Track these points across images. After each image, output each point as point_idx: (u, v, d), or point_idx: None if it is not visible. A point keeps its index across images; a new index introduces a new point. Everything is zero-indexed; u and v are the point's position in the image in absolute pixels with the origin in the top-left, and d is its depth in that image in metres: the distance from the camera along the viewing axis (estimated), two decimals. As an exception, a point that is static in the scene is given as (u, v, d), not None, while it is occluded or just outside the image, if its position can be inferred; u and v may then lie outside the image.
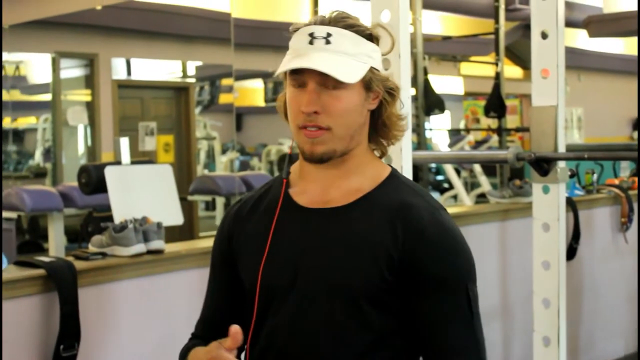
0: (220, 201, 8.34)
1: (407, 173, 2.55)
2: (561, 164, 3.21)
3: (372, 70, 1.70)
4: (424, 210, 1.70)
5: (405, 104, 1.94)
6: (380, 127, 1.78)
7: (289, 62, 1.67)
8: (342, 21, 1.70)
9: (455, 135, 10.99)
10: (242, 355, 1.85)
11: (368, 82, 1.70)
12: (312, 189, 1.76)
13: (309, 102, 1.66)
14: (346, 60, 1.66)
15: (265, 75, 10.29)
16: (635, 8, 9.42)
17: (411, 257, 1.67)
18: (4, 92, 9.81)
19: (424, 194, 1.76)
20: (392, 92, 1.75)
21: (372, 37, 1.73)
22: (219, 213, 8.92)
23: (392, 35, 1.78)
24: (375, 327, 1.69)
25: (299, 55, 1.67)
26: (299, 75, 1.68)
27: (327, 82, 1.66)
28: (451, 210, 2.99)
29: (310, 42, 1.67)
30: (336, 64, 1.65)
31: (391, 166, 1.83)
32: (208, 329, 1.87)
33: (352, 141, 1.73)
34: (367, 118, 1.75)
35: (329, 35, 1.67)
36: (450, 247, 1.70)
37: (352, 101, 1.69)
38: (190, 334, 1.93)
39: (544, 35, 3.15)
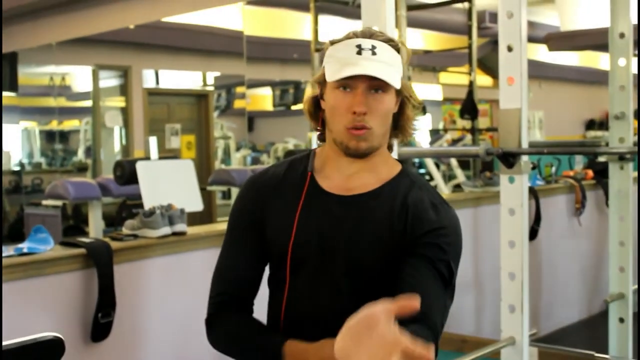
0: (235, 191, 8.32)
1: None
2: (524, 158, 3.20)
3: (401, 79, 1.71)
4: (427, 203, 1.71)
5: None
6: (399, 127, 1.78)
7: (344, 69, 1.64)
8: (380, 36, 1.70)
9: (435, 134, 10.94)
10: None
11: (400, 89, 1.71)
12: (336, 177, 1.75)
13: (361, 103, 1.64)
14: (390, 69, 1.66)
15: (273, 84, 10.27)
16: (589, 26, 9.40)
17: (413, 237, 1.67)
18: (52, 99, 9.82)
19: (430, 190, 1.76)
20: (410, 97, 1.75)
21: (399, 50, 1.72)
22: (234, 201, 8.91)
23: (407, 49, 1.76)
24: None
25: (349, 63, 1.65)
26: (350, 80, 1.66)
27: (372, 86, 1.65)
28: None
29: (359, 53, 1.65)
30: (385, 71, 1.64)
31: (402, 163, 1.83)
32: (239, 288, 1.79)
33: (384, 138, 1.74)
34: (390, 120, 1.74)
35: (374, 47, 1.66)
36: (445, 230, 1.69)
37: (390, 104, 1.69)
38: (216, 295, 1.80)
39: (510, 49, 3.13)
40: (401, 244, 1.67)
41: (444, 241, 1.67)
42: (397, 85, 1.66)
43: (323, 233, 1.71)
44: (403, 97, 1.74)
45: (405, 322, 1.47)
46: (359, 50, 1.65)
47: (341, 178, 1.74)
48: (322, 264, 1.70)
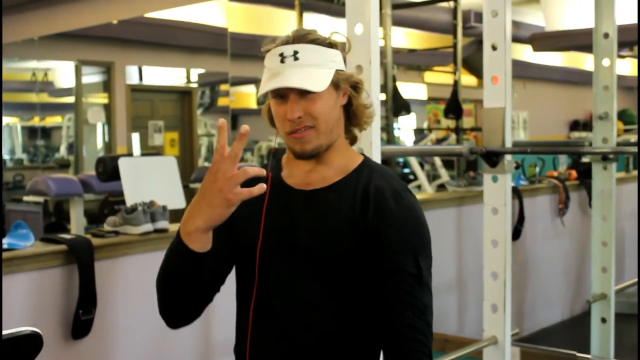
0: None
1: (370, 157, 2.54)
2: (508, 157, 3.22)
3: (337, 72, 1.73)
4: (388, 191, 1.72)
5: (374, 102, 1.96)
6: (352, 117, 1.81)
7: (267, 83, 1.70)
8: (305, 37, 1.72)
9: (420, 134, 10.98)
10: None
11: (336, 83, 1.73)
12: (297, 174, 1.80)
13: (292, 111, 1.69)
14: (314, 71, 1.69)
15: (257, 82, 10.27)
16: (573, 27, 9.44)
17: (374, 228, 1.69)
18: (34, 95, 9.77)
19: (391, 178, 1.77)
20: (357, 86, 1.79)
21: (331, 45, 1.75)
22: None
23: (348, 39, 1.81)
24: (339, 294, 1.71)
25: (274, 74, 1.70)
26: (279, 90, 1.71)
27: (302, 91, 1.69)
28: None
29: (282, 61, 1.69)
30: (307, 77, 1.67)
31: (364, 155, 1.86)
32: None
33: (333, 134, 1.76)
34: (341, 113, 1.79)
35: (295, 52, 1.69)
36: (407, 221, 1.71)
37: (327, 101, 1.72)
38: None
39: (494, 47, 3.15)
40: (363, 232, 1.69)
41: (405, 233, 1.70)
42: (322, 87, 1.68)
43: (285, 227, 1.75)
44: (349, 87, 1.77)
45: (395, 346, 1.64)
46: (282, 58, 1.70)
47: (301, 174, 1.80)
48: (287, 257, 1.73)
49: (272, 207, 1.77)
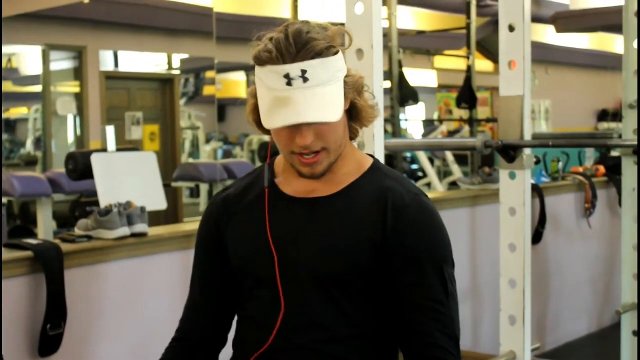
0: (204, 188, 8.34)
1: (380, 160, 2.54)
2: (527, 151, 3.22)
3: (344, 80, 1.68)
4: (406, 195, 1.72)
5: (377, 93, 1.95)
6: (355, 118, 1.77)
7: (276, 112, 1.61)
8: (309, 50, 1.62)
9: (429, 126, 10.99)
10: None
11: (345, 94, 1.68)
12: (297, 182, 1.77)
13: (305, 137, 1.64)
14: (326, 92, 1.63)
15: (247, 68, 10.28)
16: (601, 5, 9.45)
17: (393, 236, 1.68)
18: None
19: (404, 182, 1.77)
20: (361, 89, 1.74)
21: (335, 50, 1.66)
22: (203, 200, 8.91)
23: (347, 33, 1.73)
24: (350, 315, 1.71)
25: (281, 100, 1.61)
26: None
27: None
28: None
29: (289, 84, 1.61)
30: (321, 105, 1.61)
31: (373, 157, 1.84)
32: (198, 329, 1.89)
33: (342, 147, 1.74)
34: (346, 118, 1.75)
35: (304, 72, 1.61)
36: (429, 228, 1.71)
37: (340, 121, 1.68)
38: (173, 338, 1.92)
39: (511, 28, 3.15)
40: (382, 245, 1.68)
41: (430, 242, 1.70)
42: (340, 113, 1.64)
43: (286, 245, 1.72)
44: (355, 92, 1.73)
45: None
46: (289, 80, 1.61)
47: (302, 182, 1.76)
48: (292, 281, 1.71)
49: (274, 227, 1.74)
